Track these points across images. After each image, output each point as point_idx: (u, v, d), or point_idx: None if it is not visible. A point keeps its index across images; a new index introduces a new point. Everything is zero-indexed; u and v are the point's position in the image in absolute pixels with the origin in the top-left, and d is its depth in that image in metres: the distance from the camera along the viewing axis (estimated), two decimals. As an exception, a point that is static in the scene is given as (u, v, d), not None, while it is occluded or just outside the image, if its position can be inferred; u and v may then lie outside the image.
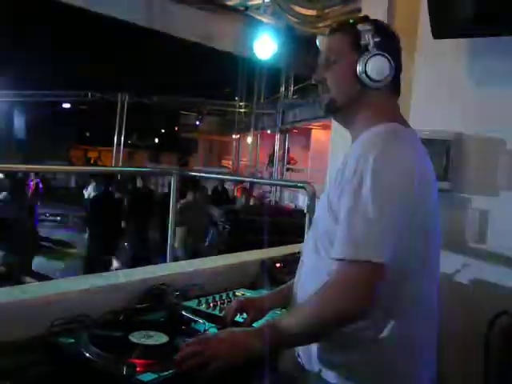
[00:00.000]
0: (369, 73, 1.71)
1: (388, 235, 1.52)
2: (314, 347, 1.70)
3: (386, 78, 1.74)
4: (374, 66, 1.71)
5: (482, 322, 2.60)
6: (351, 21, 1.84)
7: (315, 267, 1.76)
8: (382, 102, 1.78)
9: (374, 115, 1.75)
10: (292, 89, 21.39)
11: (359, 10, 3.52)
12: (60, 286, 2.25)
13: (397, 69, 1.78)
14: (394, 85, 1.81)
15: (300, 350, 1.79)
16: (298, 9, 3.86)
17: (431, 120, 2.94)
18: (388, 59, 1.73)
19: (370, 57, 1.71)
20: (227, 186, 16.35)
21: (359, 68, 1.73)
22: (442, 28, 2.71)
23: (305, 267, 1.84)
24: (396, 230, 1.54)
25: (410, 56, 3.15)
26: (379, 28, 1.80)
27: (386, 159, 1.57)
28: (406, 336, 1.65)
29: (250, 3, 5.17)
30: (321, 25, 3.75)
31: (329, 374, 1.67)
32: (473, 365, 2.65)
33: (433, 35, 2.75)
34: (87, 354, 1.64)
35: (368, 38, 1.73)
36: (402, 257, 1.56)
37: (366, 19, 1.83)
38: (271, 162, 22.17)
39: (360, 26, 1.75)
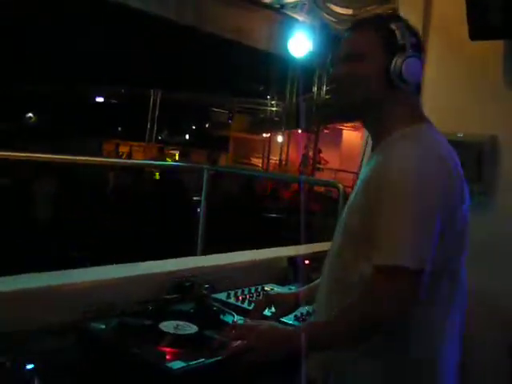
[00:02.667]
0: (404, 75, 1.67)
1: (433, 243, 1.52)
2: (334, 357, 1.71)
3: (418, 80, 1.73)
4: (410, 68, 1.67)
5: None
6: (382, 17, 1.83)
7: (337, 268, 1.78)
8: (408, 103, 1.76)
9: (400, 117, 1.73)
10: (325, 88, 21.29)
11: (395, 10, 3.49)
12: (93, 274, 2.29)
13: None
14: (418, 85, 1.80)
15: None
16: (334, 7, 3.85)
17: (466, 122, 2.92)
18: (422, 61, 1.72)
19: (407, 58, 1.67)
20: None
21: (393, 68, 1.67)
22: (479, 29, 2.70)
23: (328, 267, 1.85)
24: (435, 238, 1.53)
25: (445, 57, 3.14)
26: (411, 28, 1.77)
27: (418, 165, 1.56)
28: (431, 340, 1.65)
29: (286, 1, 5.16)
30: (357, 24, 3.72)
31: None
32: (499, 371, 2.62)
33: (470, 36, 2.73)
34: (118, 341, 1.67)
35: (404, 38, 1.69)
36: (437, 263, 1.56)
37: (396, 17, 1.81)
38: (304, 161, 22.10)
39: (394, 25, 1.70)
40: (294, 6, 5.09)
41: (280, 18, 5.47)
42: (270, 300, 2.01)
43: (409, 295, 1.50)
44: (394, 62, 1.67)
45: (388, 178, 1.57)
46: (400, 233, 1.52)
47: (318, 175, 21.67)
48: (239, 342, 1.58)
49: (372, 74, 1.71)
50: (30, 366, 1.57)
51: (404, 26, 1.73)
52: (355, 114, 1.87)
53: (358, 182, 1.78)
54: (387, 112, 1.74)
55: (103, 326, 1.78)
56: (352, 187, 1.93)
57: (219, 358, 1.57)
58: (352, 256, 1.68)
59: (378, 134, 1.79)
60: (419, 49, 1.74)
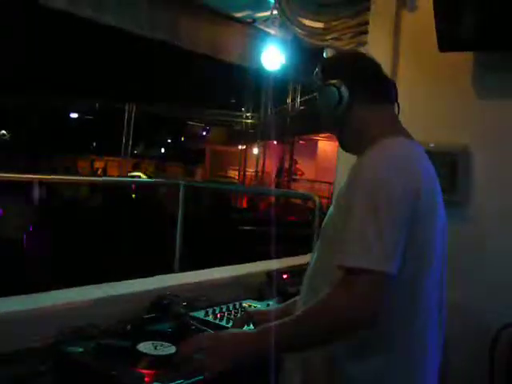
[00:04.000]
0: (326, 105, 1.84)
1: (399, 247, 1.53)
2: (318, 358, 1.71)
3: (341, 100, 1.80)
4: (324, 97, 1.84)
5: (488, 335, 2.59)
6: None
7: (314, 277, 1.78)
8: (365, 118, 1.83)
9: (366, 133, 1.80)
10: (299, 100, 21.40)
11: (366, 23, 3.53)
12: (67, 296, 2.26)
13: (360, 84, 1.84)
14: (370, 97, 1.85)
15: (301, 362, 1.79)
16: (305, 21, 3.86)
17: (438, 133, 2.95)
18: (333, 85, 1.81)
19: (319, 91, 1.87)
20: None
21: (320, 106, 1.87)
22: (447, 41, 2.73)
23: (306, 277, 1.85)
24: (403, 242, 1.54)
25: (415, 68, 3.17)
26: (324, 64, 1.97)
27: (390, 173, 1.59)
28: (412, 347, 1.66)
29: (258, 15, 5.20)
30: (328, 37, 3.74)
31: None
32: (478, 378, 2.64)
33: (439, 48, 2.77)
34: (95, 364, 1.65)
35: (316, 79, 1.91)
36: (405, 268, 1.57)
37: (318, 65, 1.97)
38: (279, 173, 22.17)
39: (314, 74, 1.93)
40: (266, 20, 5.13)
41: (252, 32, 5.50)
42: (248, 317, 2.00)
43: (371, 297, 1.49)
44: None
45: (355, 180, 1.62)
46: (363, 235, 1.52)
47: (294, 186, 21.74)
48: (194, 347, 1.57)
49: (324, 119, 1.94)
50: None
51: (318, 69, 1.93)
52: (347, 149, 1.96)
53: (337, 191, 1.82)
54: (352, 135, 1.87)
55: (80, 349, 1.76)
56: (328, 197, 1.98)
57: (198, 378, 1.56)
58: (328, 265, 1.68)
59: (357, 153, 1.82)
60: (333, 75, 1.84)
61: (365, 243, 1.51)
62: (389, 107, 1.88)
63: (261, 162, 24.28)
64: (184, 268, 4.23)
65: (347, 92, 1.80)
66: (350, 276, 1.51)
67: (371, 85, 1.87)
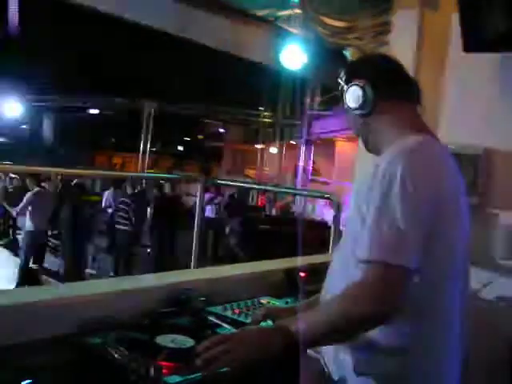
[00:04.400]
0: (350, 105, 1.88)
1: (417, 242, 1.53)
2: (343, 355, 1.71)
3: (365, 100, 1.83)
4: (349, 97, 1.88)
5: (508, 343, 2.58)
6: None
7: (343, 278, 1.78)
8: (389, 117, 1.85)
9: (390, 131, 1.82)
10: (318, 100, 21.34)
11: (389, 23, 3.52)
12: (88, 288, 2.28)
13: (384, 84, 1.87)
14: (394, 97, 1.87)
15: (326, 357, 1.79)
16: (327, 20, 3.86)
17: (460, 134, 2.93)
18: (358, 85, 1.85)
19: (344, 92, 1.90)
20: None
21: (345, 106, 1.91)
22: (473, 42, 2.72)
23: (332, 278, 1.86)
24: (423, 237, 1.54)
25: (438, 69, 3.16)
26: (348, 65, 2.05)
27: (415, 169, 1.59)
28: (431, 344, 1.66)
29: (280, 14, 5.21)
30: (350, 36, 3.74)
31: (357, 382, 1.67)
32: (499, 370, 2.63)
33: (464, 49, 2.75)
34: (114, 355, 1.66)
35: (340, 81, 1.94)
36: (427, 264, 1.57)
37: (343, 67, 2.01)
38: (297, 173, 22.11)
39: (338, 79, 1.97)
40: (288, 19, 5.14)
41: (274, 31, 5.51)
42: (267, 313, 2.01)
43: (389, 290, 1.49)
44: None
45: (377, 177, 1.62)
46: (384, 228, 1.53)
47: (312, 186, 21.69)
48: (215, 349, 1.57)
49: (350, 120, 1.96)
50: (26, 382, 1.56)
51: (343, 72, 1.96)
52: (372, 151, 1.96)
53: (356, 190, 1.82)
54: (378, 135, 1.88)
55: (99, 341, 1.77)
56: (346, 197, 1.99)
57: (218, 371, 1.56)
58: (350, 262, 1.69)
59: (379, 153, 1.84)
60: (358, 76, 1.88)
61: (384, 237, 1.52)
62: (412, 107, 1.89)
63: (279, 161, 24.27)
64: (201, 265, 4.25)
65: (371, 92, 1.83)
66: (368, 270, 1.52)
67: (395, 85, 1.89)
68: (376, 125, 1.87)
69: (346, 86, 1.89)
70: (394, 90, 1.88)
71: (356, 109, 1.86)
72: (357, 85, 1.84)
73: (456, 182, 1.70)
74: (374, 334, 1.60)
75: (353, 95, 1.86)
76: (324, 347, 1.79)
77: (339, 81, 1.95)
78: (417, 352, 1.64)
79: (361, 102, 1.84)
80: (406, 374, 1.64)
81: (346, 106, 1.91)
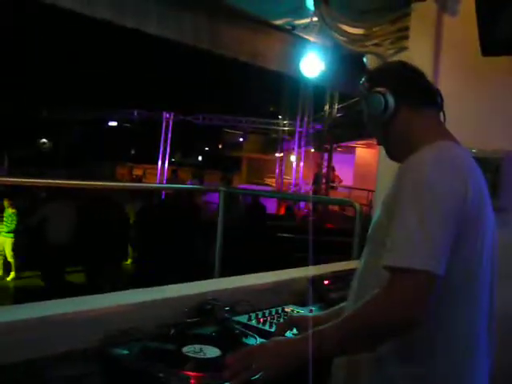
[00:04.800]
0: (372, 112, 1.89)
1: (445, 246, 1.53)
2: (363, 360, 1.71)
3: (386, 107, 1.85)
4: (371, 104, 1.89)
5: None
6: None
7: (364, 285, 1.78)
8: (411, 124, 1.86)
9: (412, 138, 1.82)
10: (336, 107, 21.33)
11: (407, 29, 3.52)
12: (112, 300, 2.29)
13: (405, 91, 1.88)
14: (415, 103, 1.88)
15: (347, 364, 1.79)
16: (345, 27, 3.86)
17: (482, 139, 2.91)
18: (379, 92, 1.86)
19: (366, 99, 1.92)
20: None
21: (367, 114, 1.94)
22: (491, 45, 2.71)
23: (355, 285, 1.86)
24: (449, 243, 1.54)
25: (458, 74, 3.15)
26: (370, 73, 2.07)
27: (437, 174, 1.59)
28: (456, 351, 1.65)
29: (297, 22, 5.22)
30: (368, 43, 3.74)
31: None
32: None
33: (482, 52, 2.74)
34: (142, 366, 1.67)
35: (362, 89, 1.97)
36: (453, 270, 1.57)
37: (365, 75, 2.04)
38: (317, 180, 22.09)
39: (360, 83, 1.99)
40: (306, 27, 5.15)
41: (292, 39, 5.53)
42: (292, 322, 2.01)
43: (415, 297, 1.49)
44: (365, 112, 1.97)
45: (402, 182, 1.63)
46: (408, 234, 1.53)
47: (332, 193, 21.65)
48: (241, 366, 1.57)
49: (372, 127, 1.99)
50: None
51: (364, 79, 1.99)
52: (395, 158, 1.96)
53: (381, 197, 1.82)
54: (399, 143, 1.89)
55: (126, 351, 1.78)
56: (367, 205, 1.99)
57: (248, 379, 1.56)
58: (377, 269, 1.69)
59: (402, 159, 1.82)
60: (378, 83, 1.90)
61: (410, 243, 1.52)
62: (434, 113, 1.89)
63: (298, 169, 24.27)
64: (223, 275, 4.25)
65: (392, 99, 1.84)
66: (394, 276, 1.52)
67: (416, 92, 1.90)
68: (398, 133, 1.88)
69: (367, 94, 1.90)
70: (415, 98, 1.88)
71: (378, 116, 1.87)
72: (378, 92, 1.85)
73: (480, 186, 1.70)
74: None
75: (374, 102, 1.87)
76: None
77: (361, 88, 1.96)
78: (437, 356, 1.63)
79: (382, 108, 1.85)
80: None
81: (368, 114, 1.93)
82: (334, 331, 1.58)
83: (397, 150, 1.90)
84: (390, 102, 1.84)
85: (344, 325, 1.59)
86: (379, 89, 1.86)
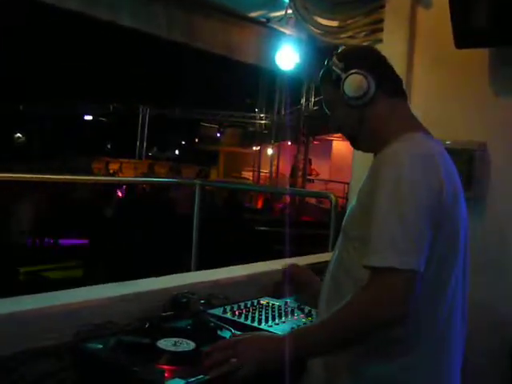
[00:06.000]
0: (350, 94, 1.75)
1: (424, 243, 1.52)
2: (342, 359, 1.70)
3: (369, 89, 1.75)
4: (349, 86, 1.75)
5: (507, 331, 2.57)
6: (328, 63, 1.88)
7: (336, 276, 1.78)
8: (386, 112, 1.79)
9: (386, 128, 1.77)
10: (313, 100, 21.37)
11: (381, 21, 3.52)
12: (86, 294, 2.27)
13: (382, 77, 1.79)
14: (389, 91, 1.81)
15: (324, 363, 1.78)
16: (319, 20, 3.86)
17: (454, 131, 2.93)
18: (360, 73, 1.74)
19: (343, 80, 1.76)
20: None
21: (342, 96, 1.77)
22: (463, 37, 2.73)
23: (328, 276, 1.86)
24: (429, 239, 1.54)
25: (431, 66, 3.16)
26: (344, 54, 1.88)
27: (413, 169, 1.57)
28: (436, 346, 1.66)
29: (272, 15, 5.20)
30: (343, 36, 3.74)
31: None
32: (498, 374, 2.62)
33: (455, 45, 2.76)
34: (116, 360, 1.66)
35: (335, 69, 1.79)
36: (431, 265, 1.57)
37: (336, 55, 1.86)
38: (294, 173, 22.14)
39: (332, 64, 1.82)
40: (280, 20, 5.13)
41: (267, 32, 5.51)
42: (288, 272, 2.05)
43: (400, 295, 1.47)
44: (340, 92, 1.78)
45: (378, 178, 1.60)
46: (389, 233, 1.51)
47: (309, 186, 21.71)
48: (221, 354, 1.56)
49: (343, 112, 1.84)
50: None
51: (336, 57, 1.82)
52: (363, 146, 1.92)
53: (356, 189, 1.81)
54: (372, 130, 1.81)
55: (100, 346, 1.77)
56: (344, 197, 1.97)
57: (219, 373, 1.56)
58: (350, 262, 1.69)
59: (375, 151, 1.80)
60: (357, 66, 1.77)
61: (390, 242, 1.50)
62: (406, 104, 1.87)
63: (275, 162, 24.30)
64: (200, 268, 4.24)
65: (373, 82, 1.76)
66: (377, 276, 1.50)
67: (392, 78, 1.85)
68: (372, 121, 1.80)
69: (343, 74, 1.77)
70: (392, 83, 1.83)
71: (354, 100, 1.76)
72: (358, 73, 1.74)
73: (453, 178, 1.70)
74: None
75: (353, 84, 1.75)
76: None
77: (333, 69, 1.81)
78: (419, 352, 1.64)
79: (363, 91, 1.75)
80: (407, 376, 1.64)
81: (338, 98, 1.81)
82: (314, 333, 1.58)
83: (368, 139, 1.84)
84: (371, 85, 1.74)
85: (329, 326, 1.57)
86: (358, 70, 1.75)
